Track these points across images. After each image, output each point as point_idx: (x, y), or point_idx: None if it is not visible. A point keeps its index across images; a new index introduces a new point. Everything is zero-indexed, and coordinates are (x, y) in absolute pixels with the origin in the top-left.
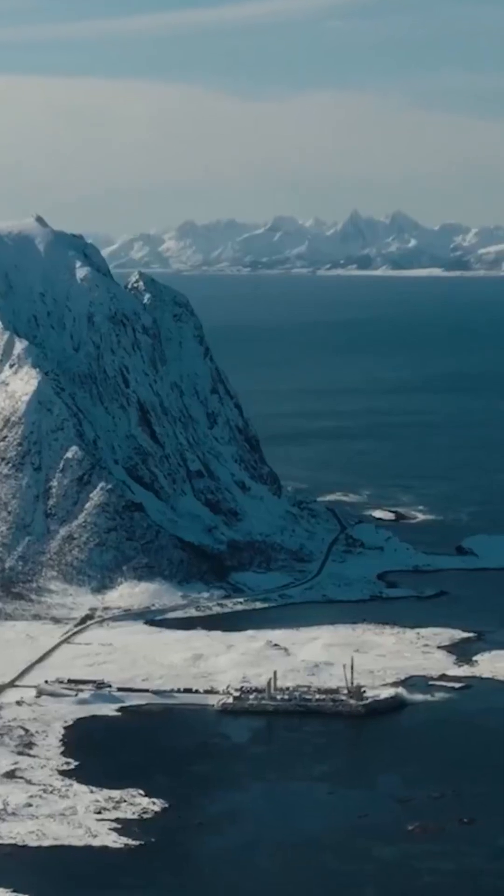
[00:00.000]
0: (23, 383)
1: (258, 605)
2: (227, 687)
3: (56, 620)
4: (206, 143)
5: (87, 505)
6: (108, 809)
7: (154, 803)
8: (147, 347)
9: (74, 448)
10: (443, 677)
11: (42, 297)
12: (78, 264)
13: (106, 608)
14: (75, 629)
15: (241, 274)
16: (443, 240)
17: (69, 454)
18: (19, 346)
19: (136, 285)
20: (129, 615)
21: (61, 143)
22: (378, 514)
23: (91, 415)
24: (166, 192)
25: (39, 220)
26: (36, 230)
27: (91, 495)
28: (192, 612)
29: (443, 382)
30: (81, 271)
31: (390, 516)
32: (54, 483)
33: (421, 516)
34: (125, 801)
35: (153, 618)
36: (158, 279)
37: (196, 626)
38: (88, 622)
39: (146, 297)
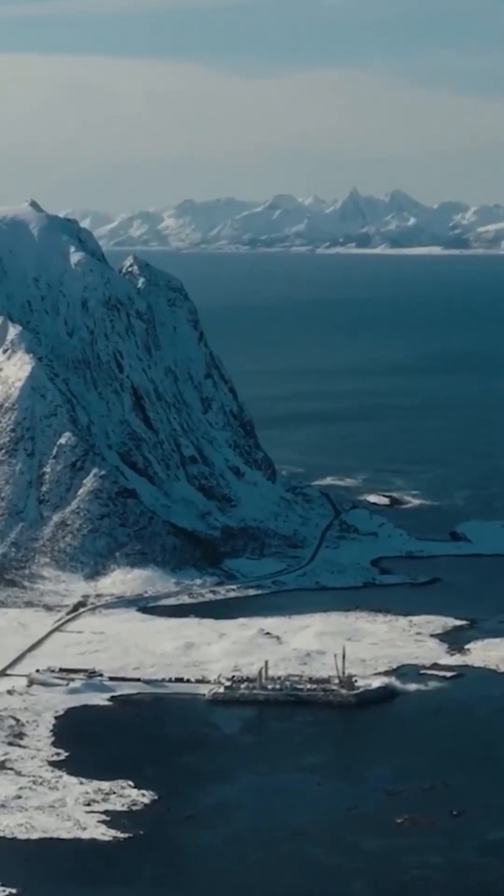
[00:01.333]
0: (16, 369)
1: (251, 591)
2: (219, 676)
3: (48, 608)
4: (205, 120)
5: (81, 491)
6: (98, 801)
7: (143, 795)
8: (141, 332)
9: (68, 434)
10: (435, 666)
11: (36, 282)
12: (72, 249)
13: (98, 595)
14: (67, 617)
15: (240, 252)
16: (442, 218)
17: (62, 440)
18: (13, 331)
19: (130, 270)
20: (121, 602)
21: (61, 120)
22: (373, 498)
23: (85, 400)
24: (165, 170)
25: (34, 204)
26: (30, 215)
27: (84, 481)
28: (185, 600)
29: (441, 363)
30: (75, 256)
31: (385, 501)
32: (47, 469)
33: (415, 501)
34: (115, 792)
35: (146, 605)
36: (157, 257)
37: (188, 613)
38: (81, 609)
39: (140, 282)
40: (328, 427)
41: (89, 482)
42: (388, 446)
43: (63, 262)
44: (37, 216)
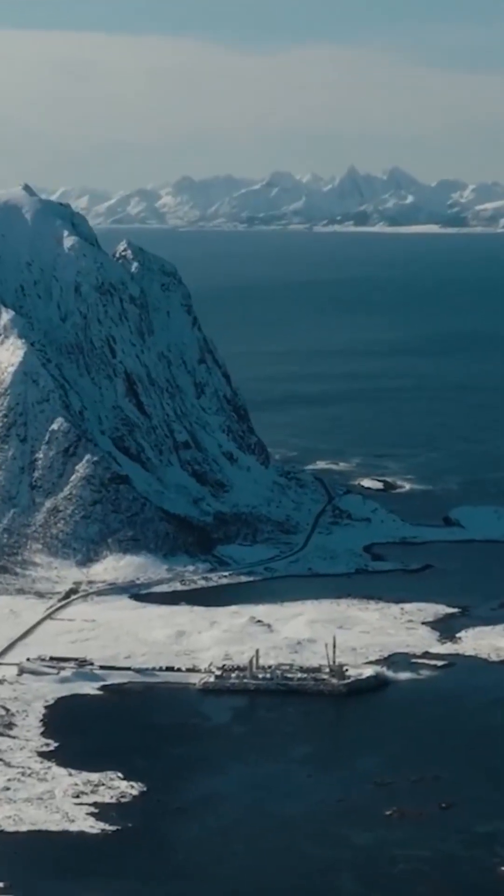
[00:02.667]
0: (8, 354)
1: (243, 578)
2: (210, 665)
3: (40, 595)
4: (203, 97)
5: (73, 477)
6: (87, 793)
7: (132, 787)
8: (134, 317)
9: (60, 420)
10: (426, 655)
11: (29, 267)
12: (65, 233)
13: (91, 582)
14: (59, 604)
15: (238, 230)
16: (440, 196)
17: (55, 426)
18: (6, 316)
19: (123, 254)
20: (113, 589)
21: (58, 98)
22: (366, 483)
23: (77, 385)
24: (163, 148)
25: (27, 188)
26: (23, 199)
27: (77, 467)
28: (177, 586)
29: (437, 344)
30: (69, 240)
31: (378, 485)
32: (40, 455)
33: (409, 485)
34: (103, 784)
35: (138, 592)
36: (155, 235)
37: (180, 600)
38: (72, 597)
39: (134, 266)
40: (322, 409)
41: (82, 468)
42: (382, 429)
43: (56, 247)
44: (30, 200)
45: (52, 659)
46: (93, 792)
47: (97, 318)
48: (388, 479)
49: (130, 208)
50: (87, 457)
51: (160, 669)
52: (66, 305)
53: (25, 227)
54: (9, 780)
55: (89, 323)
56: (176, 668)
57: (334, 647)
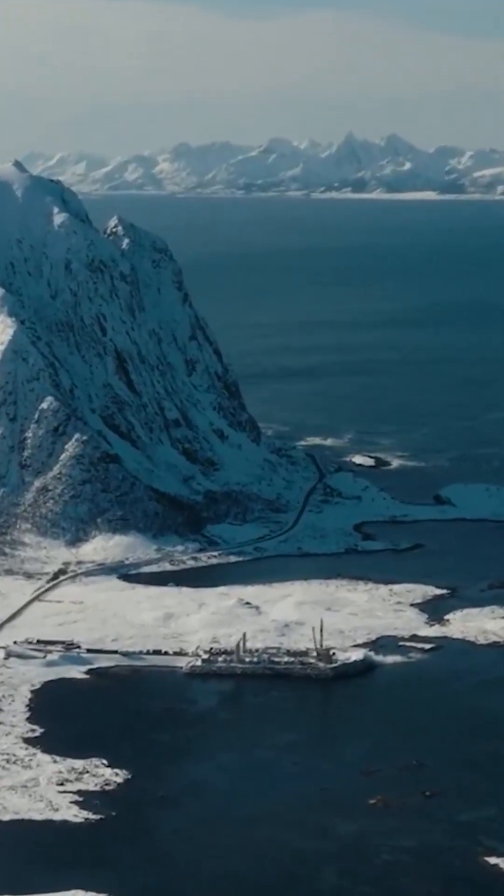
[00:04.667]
0: None
1: (232, 558)
2: (197, 648)
3: (28, 575)
4: (201, 63)
5: (63, 456)
6: (71, 781)
7: (117, 774)
8: (125, 295)
9: (50, 398)
10: (413, 638)
11: (19, 244)
12: (55, 210)
13: (79, 562)
14: (47, 586)
15: (236, 196)
16: (438, 163)
17: (44, 405)
18: None
19: (114, 230)
20: (102, 570)
21: (56, 63)
22: (358, 459)
23: (68, 363)
24: (161, 113)
25: (17, 164)
26: (13, 175)
27: (66, 446)
28: (166, 567)
29: (433, 314)
30: (59, 217)
31: (370, 462)
32: (29, 434)
33: (401, 462)
34: (88, 771)
35: (126, 572)
36: (152, 201)
37: (169, 581)
38: (61, 577)
39: (125, 243)
40: (316, 383)
41: (71, 447)
42: (375, 404)
43: (46, 224)
44: (20, 177)
45: (39, 642)
46: (77, 780)
47: (87, 295)
48: (380, 456)
49: (128, 174)
50: (77, 436)
51: (147, 653)
52: (57, 283)
53: (15, 203)
54: None
55: (79, 300)
56: (163, 651)
57: (321, 630)
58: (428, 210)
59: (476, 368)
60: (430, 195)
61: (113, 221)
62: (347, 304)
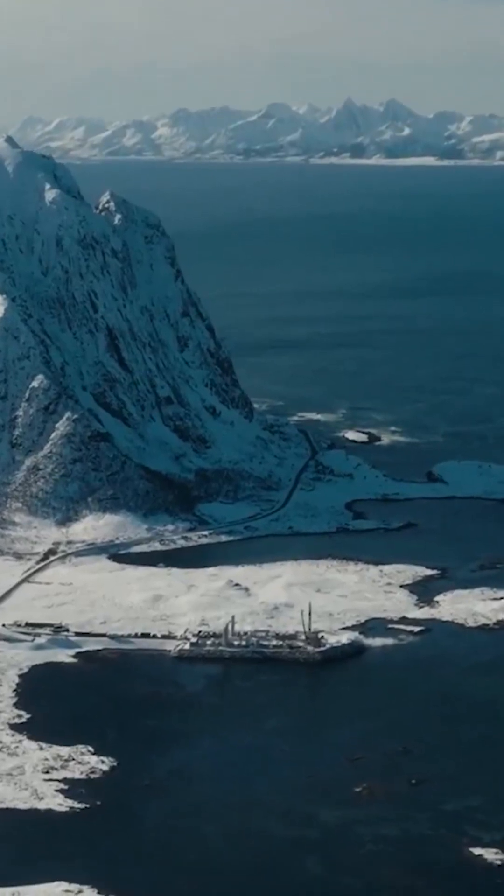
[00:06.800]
0: None
1: (223, 538)
2: (185, 631)
3: (19, 556)
4: (200, 27)
5: (53, 435)
6: (56, 769)
7: (103, 762)
8: (116, 271)
9: (40, 377)
10: (403, 620)
11: (10, 220)
12: (47, 186)
13: (70, 542)
14: (36, 567)
15: (234, 162)
16: (437, 128)
17: (35, 383)
18: None
19: (106, 206)
20: (92, 549)
21: (54, 26)
22: (351, 435)
23: (59, 340)
24: (160, 78)
25: (9, 140)
26: (5, 151)
27: (57, 425)
28: (157, 546)
29: (430, 284)
30: (51, 193)
31: (363, 438)
32: (20, 412)
33: (394, 437)
34: (73, 759)
35: (117, 552)
36: (151, 166)
37: (159, 561)
38: (51, 558)
39: (117, 218)
40: (310, 355)
41: (62, 426)
42: (369, 377)
43: (38, 200)
44: (12, 152)
45: (27, 625)
46: (63, 767)
47: (79, 272)
48: (373, 431)
49: (126, 140)
50: (68, 414)
51: (136, 636)
52: (48, 259)
53: (7, 179)
54: None
55: (71, 277)
56: (152, 634)
57: (310, 614)
58: (427, 176)
59: (471, 340)
60: (429, 160)
61: (105, 197)
62: (341, 274)
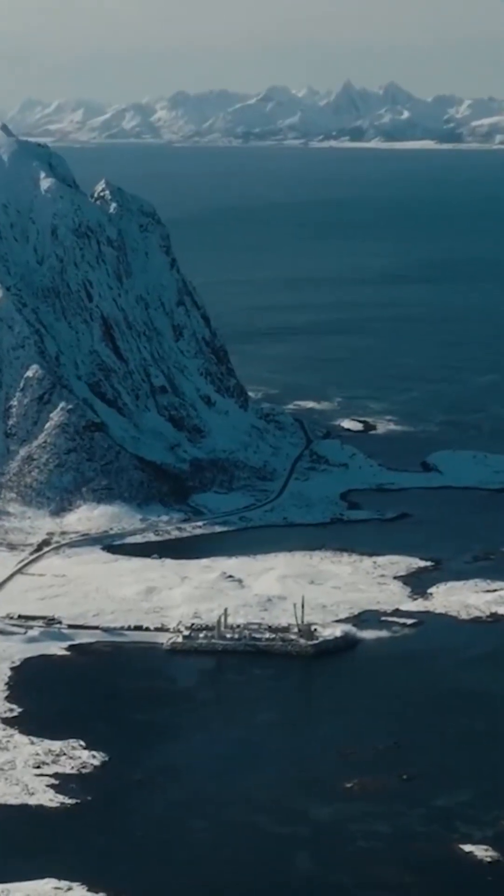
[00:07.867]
0: None
1: (217, 529)
2: (178, 624)
3: (12, 546)
4: (199, 10)
5: (47, 425)
6: (48, 764)
7: (94, 756)
8: (112, 260)
9: (35, 367)
10: (396, 612)
11: (5, 209)
12: (42, 174)
13: (63, 532)
14: (30, 558)
15: (233, 145)
16: (436, 111)
17: (29, 373)
18: None
19: (102, 195)
20: (86, 540)
21: (56, 8)
22: (346, 423)
23: (54, 330)
24: (158, 61)
25: (4, 128)
26: (0, 139)
27: (51, 415)
28: (151, 537)
29: (427, 270)
30: (46, 182)
31: (358, 427)
32: (14, 402)
33: (389, 426)
34: (65, 753)
35: (111, 543)
36: (150, 149)
37: (153, 552)
38: (45, 549)
39: (112, 207)
40: (306, 342)
41: (56, 416)
42: (365, 365)
43: (33, 189)
44: (7, 141)
45: (20, 617)
46: (54, 762)
47: (74, 261)
48: (369, 420)
49: (125, 123)
50: (62, 404)
51: (129, 629)
52: (43, 248)
53: (2, 168)
54: None
55: (66, 266)
56: (145, 627)
57: (303, 606)
58: (426, 159)
59: (467, 327)
60: (428, 144)
61: (100, 186)
62: (339, 260)
